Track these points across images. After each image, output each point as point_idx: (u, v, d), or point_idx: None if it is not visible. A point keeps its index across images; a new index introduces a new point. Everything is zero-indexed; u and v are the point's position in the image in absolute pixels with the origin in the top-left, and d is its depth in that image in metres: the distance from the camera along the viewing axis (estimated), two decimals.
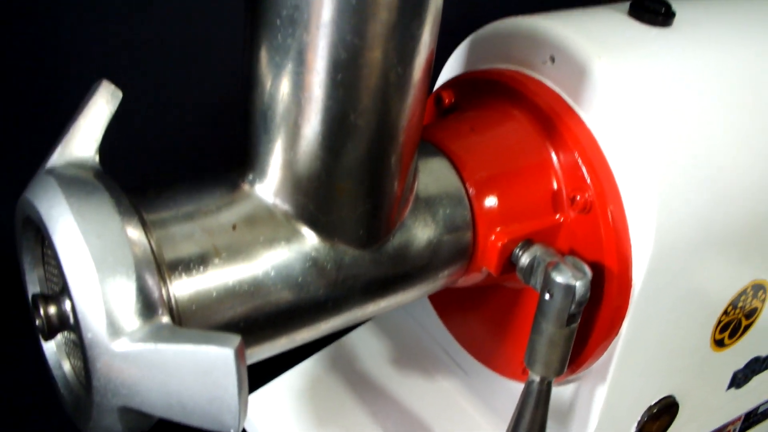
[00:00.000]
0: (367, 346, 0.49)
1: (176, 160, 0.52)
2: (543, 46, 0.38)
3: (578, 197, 0.36)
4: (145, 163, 0.51)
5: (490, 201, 0.36)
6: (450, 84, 0.41)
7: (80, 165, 0.31)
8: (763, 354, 0.46)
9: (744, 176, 0.38)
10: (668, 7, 0.39)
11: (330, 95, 0.30)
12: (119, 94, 0.32)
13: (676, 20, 0.40)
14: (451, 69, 0.43)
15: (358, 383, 0.47)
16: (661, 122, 0.36)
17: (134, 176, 0.48)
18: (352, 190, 0.32)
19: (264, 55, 0.30)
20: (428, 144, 0.37)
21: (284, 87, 0.30)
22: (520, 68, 0.39)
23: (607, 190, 0.36)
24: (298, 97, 0.30)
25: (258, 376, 0.34)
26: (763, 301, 0.43)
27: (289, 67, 0.30)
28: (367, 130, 0.31)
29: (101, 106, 0.31)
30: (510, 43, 0.39)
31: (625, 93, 0.36)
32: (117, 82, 0.31)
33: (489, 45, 0.41)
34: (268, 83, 0.30)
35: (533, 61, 0.38)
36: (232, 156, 0.33)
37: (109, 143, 0.31)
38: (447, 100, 0.41)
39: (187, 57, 0.50)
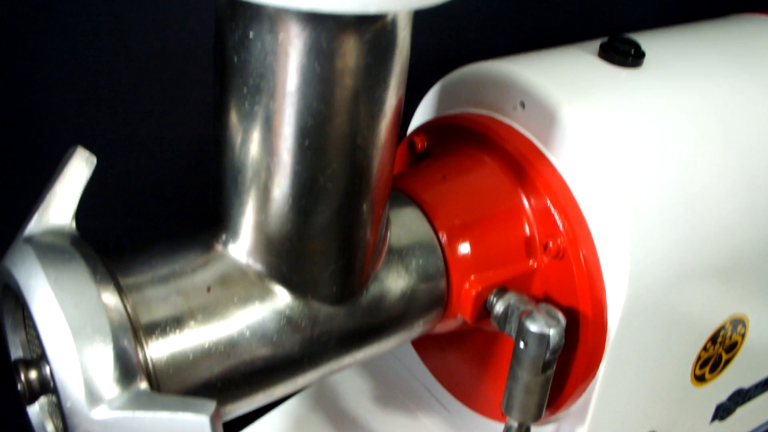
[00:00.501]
0: (350, 385, 0.50)
1: (156, 202, 0.53)
2: (513, 92, 0.39)
3: (551, 244, 0.37)
4: (126, 204, 0.52)
5: (463, 249, 0.37)
6: (422, 129, 0.42)
7: (57, 232, 0.32)
8: (746, 385, 0.47)
9: (717, 215, 0.39)
10: (637, 48, 0.40)
11: (298, 160, 0.31)
12: (94, 160, 0.33)
13: (646, 60, 0.41)
14: (423, 112, 0.44)
15: (342, 422, 0.48)
16: (632, 165, 0.37)
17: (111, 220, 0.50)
18: (324, 250, 0.33)
19: (232, 121, 0.31)
20: (400, 194, 0.38)
21: (253, 152, 0.31)
22: (491, 113, 0.40)
23: (579, 236, 0.37)
24: (267, 161, 0.31)
25: (241, 417, 0.35)
26: (743, 334, 0.44)
27: (256, 133, 0.31)
28: (337, 191, 0.32)
29: (76, 173, 0.32)
30: (480, 88, 0.40)
31: (594, 138, 0.37)
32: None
33: (460, 90, 0.42)
34: (236, 148, 0.31)
35: (504, 107, 0.39)
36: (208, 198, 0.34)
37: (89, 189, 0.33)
38: (420, 146, 0.42)
39: (165, 101, 0.51)
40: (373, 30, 0.29)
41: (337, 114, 0.30)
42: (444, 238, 0.37)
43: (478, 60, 0.42)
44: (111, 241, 0.36)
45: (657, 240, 0.37)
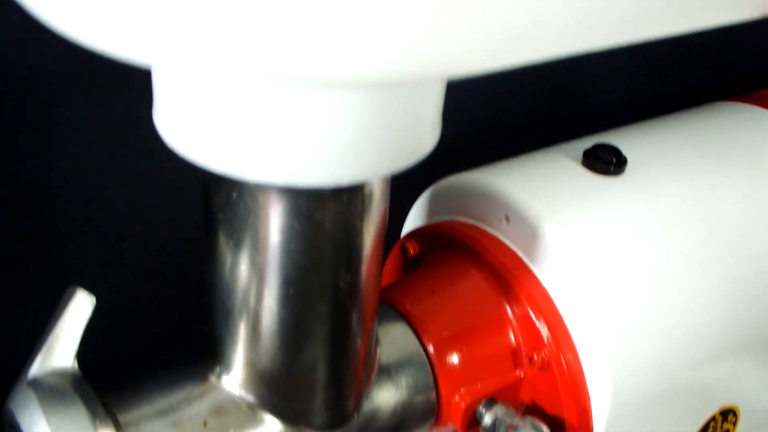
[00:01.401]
0: None
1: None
2: (498, 206, 0.40)
3: (536, 356, 0.38)
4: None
5: (452, 363, 0.39)
6: (414, 235, 0.44)
7: (60, 374, 0.34)
8: None
9: (698, 318, 0.41)
10: (619, 155, 0.42)
11: (284, 306, 0.33)
12: (93, 301, 0.35)
13: (628, 166, 0.42)
14: (415, 216, 0.46)
15: None
16: (612, 276, 0.39)
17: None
18: (314, 383, 0.35)
19: (220, 268, 0.33)
20: (389, 309, 0.40)
21: (241, 297, 0.33)
22: (478, 224, 0.42)
23: (563, 347, 0.38)
24: (254, 306, 0.33)
25: None
26: (734, 423, 0.45)
27: (243, 281, 0.33)
28: (323, 331, 0.34)
29: (76, 316, 0.34)
30: (467, 199, 0.42)
31: (575, 252, 0.38)
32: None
33: (448, 199, 0.43)
34: (225, 292, 0.33)
35: (490, 219, 0.41)
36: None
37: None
38: (412, 251, 0.43)
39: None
40: (349, 192, 0.30)
41: (319, 265, 0.32)
42: (433, 353, 0.39)
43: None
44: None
45: (639, 347, 0.39)
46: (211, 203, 0.32)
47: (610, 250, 0.39)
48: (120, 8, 0.19)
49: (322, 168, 0.28)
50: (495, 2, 0.21)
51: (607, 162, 0.42)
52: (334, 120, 0.27)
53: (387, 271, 0.45)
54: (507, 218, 0.40)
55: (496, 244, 0.41)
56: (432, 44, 0.22)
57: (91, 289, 0.35)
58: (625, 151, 0.43)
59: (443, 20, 0.21)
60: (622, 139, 0.44)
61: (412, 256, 0.44)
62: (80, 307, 0.35)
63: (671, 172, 0.43)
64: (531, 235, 0.39)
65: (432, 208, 0.45)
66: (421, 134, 0.29)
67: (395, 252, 0.45)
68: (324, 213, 0.31)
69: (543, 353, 0.39)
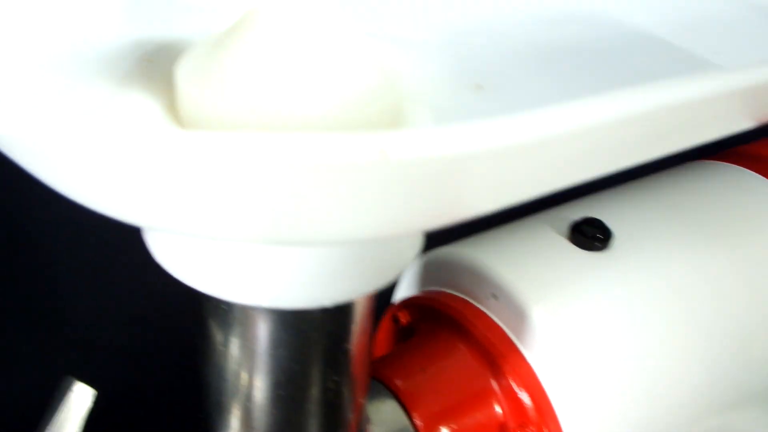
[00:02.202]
0: None
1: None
2: (486, 284, 0.42)
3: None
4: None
5: None
6: (405, 305, 0.45)
7: None
8: None
9: (683, 394, 0.42)
10: (605, 231, 0.43)
11: (273, 405, 0.34)
12: (92, 393, 0.36)
13: (615, 241, 0.43)
14: (407, 285, 0.47)
15: None
16: (597, 355, 0.40)
17: None
18: None
19: (213, 369, 0.34)
20: (380, 386, 0.41)
21: (232, 395, 0.35)
22: (467, 298, 0.43)
23: (548, 424, 0.40)
24: (246, 404, 0.34)
25: None
26: None
27: (234, 382, 0.34)
28: (314, 423, 0.35)
29: (76, 409, 0.36)
30: (457, 273, 0.43)
31: (561, 333, 0.40)
32: None
33: (438, 270, 0.44)
34: (218, 389, 0.35)
35: (478, 295, 0.42)
36: None
37: None
38: (403, 320, 0.45)
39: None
40: (335, 307, 0.32)
41: (307, 369, 0.33)
42: (422, 429, 0.40)
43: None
44: None
45: (623, 425, 0.40)
46: (201, 310, 0.34)
47: (595, 329, 0.41)
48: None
49: (306, 293, 0.29)
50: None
51: (592, 238, 0.43)
52: (318, 256, 0.28)
53: (379, 339, 0.47)
54: (495, 296, 0.42)
55: (484, 320, 0.42)
56: (408, 216, 0.23)
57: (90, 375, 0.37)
58: (611, 222, 0.44)
59: (417, 195, 0.22)
60: (606, 209, 0.45)
61: (404, 326, 0.45)
62: (79, 400, 0.36)
63: (656, 245, 0.44)
64: (518, 314, 0.41)
65: (423, 278, 0.46)
66: (404, 252, 0.31)
67: (387, 320, 0.46)
68: (310, 325, 0.32)
69: (529, 429, 0.40)
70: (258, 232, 0.23)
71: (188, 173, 0.20)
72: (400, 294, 0.48)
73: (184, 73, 0.29)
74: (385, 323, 0.46)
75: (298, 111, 0.28)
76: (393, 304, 0.47)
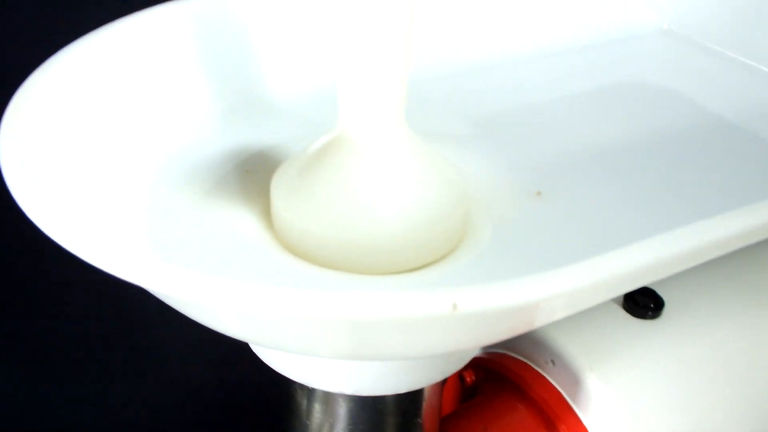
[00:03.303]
0: None
1: None
2: (544, 350, 0.45)
3: None
4: None
5: None
6: (471, 365, 0.49)
7: None
8: None
9: None
10: (657, 299, 0.46)
11: None
12: None
13: (667, 309, 0.46)
14: None
15: None
16: (651, 422, 0.43)
17: None
18: None
19: None
20: None
21: None
22: (527, 361, 0.47)
23: None
24: None
25: None
26: None
27: None
28: None
29: None
30: (518, 337, 0.47)
31: (615, 399, 0.43)
32: None
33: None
34: None
35: (538, 359, 0.46)
36: None
37: None
38: (469, 380, 0.49)
39: None
40: (408, 392, 0.36)
41: None
42: None
43: None
44: None
45: None
46: (290, 388, 0.38)
47: (647, 395, 0.44)
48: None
49: (383, 384, 0.34)
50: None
51: (644, 307, 0.46)
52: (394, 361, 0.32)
53: (446, 397, 0.51)
54: (553, 362, 0.45)
55: (543, 384, 0.46)
56: (471, 341, 0.27)
57: None
58: (663, 290, 0.47)
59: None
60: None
61: (470, 385, 0.49)
62: None
63: (707, 314, 0.47)
64: (574, 380, 0.44)
65: None
66: (467, 352, 0.35)
67: (454, 378, 0.50)
68: (386, 406, 0.36)
69: None
70: (352, 355, 0.27)
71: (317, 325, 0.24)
72: None
73: (279, 194, 0.33)
74: (452, 381, 0.50)
75: (382, 232, 0.32)
76: None
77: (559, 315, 0.27)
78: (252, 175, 0.37)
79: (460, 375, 0.50)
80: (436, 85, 0.43)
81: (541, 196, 0.36)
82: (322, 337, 0.26)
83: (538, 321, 0.28)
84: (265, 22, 0.40)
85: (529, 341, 0.47)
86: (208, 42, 0.39)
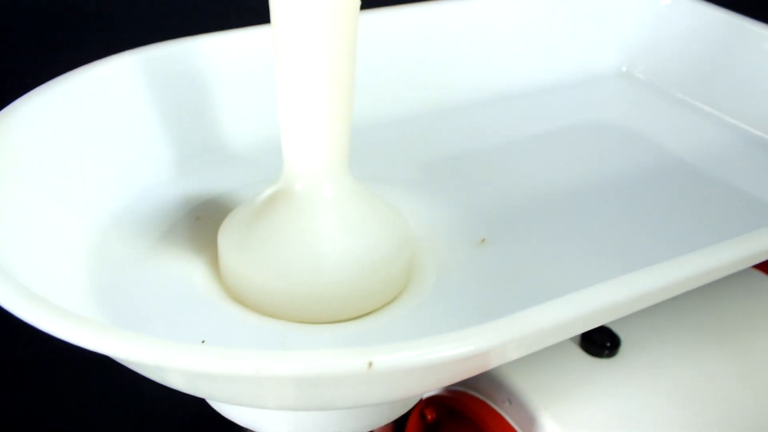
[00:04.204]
0: None
1: None
2: (502, 389, 0.46)
3: None
4: None
5: None
6: (431, 402, 0.49)
7: None
8: None
9: None
10: (613, 338, 0.47)
11: None
12: None
13: (623, 347, 0.47)
14: None
15: None
16: None
17: None
18: None
19: None
20: None
21: None
22: (487, 400, 0.47)
23: None
24: None
25: None
26: None
27: None
28: None
29: None
30: (477, 376, 0.48)
31: None
32: None
33: None
34: None
35: (496, 398, 0.47)
36: None
37: None
38: (430, 417, 0.49)
39: None
40: None
41: None
42: None
43: None
44: None
45: None
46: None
47: None
48: None
49: (329, 428, 0.34)
50: None
51: (601, 345, 0.47)
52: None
53: None
54: (509, 401, 0.46)
55: (501, 423, 0.46)
56: (396, 393, 0.28)
57: None
58: (620, 329, 0.48)
59: None
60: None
61: (430, 422, 0.50)
62: None
63: (663, 352, 0.48)
64: (530, 419, 0.45)
65: None
66: (411, 399, 0.35)
67: (415, 416, 0.50)
68: None
69: None
70: (285, 406, 0.28)
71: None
72: (430, 391, 0.52)
73: (225, 244, 0.34)
74: (414, 418, 0.51)
75: (325, 281, 0.33)
76: (422, 400, 0.51)
77: (486, 368, 0.28)
78: (203, 222, 0.38)
79: (421, 413, 0.50)
80: (390, 129, 0.44)
81: (486, 243, 0.37)
82: (246, 392, 0.26)
83: (465, 373, 0.28)
84: (220, 70, 0.41)
85: (487, 380, 0.48)
86: (163, 91, 0.40)
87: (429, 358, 0.25)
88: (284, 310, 0.34)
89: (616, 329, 0.48)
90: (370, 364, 0.24)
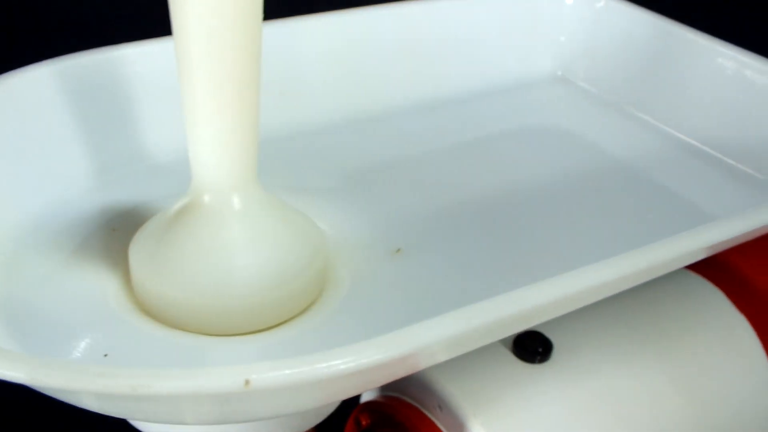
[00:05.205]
0: None
1: None
2: (432, 395, 0.46)
3: None
4: None
5: None
6: (366, 408, 0.50)
7: None
8: None
9: None
10: (545, 343, 0.47)
11: None
12: None
13: (555, 352, 0.47)
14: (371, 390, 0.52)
15: None
16: None
17: None
18: None
19: None
20: None
21: None
22: (419, 406, 0.47)
23: None
24: None
25: None
26: None
27: None
28: None
29: None
30: (410, 382, 0.48)
31: None
32: None
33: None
34: None
35: (427, 404, 0.47)
36: None
37: None
38: (364, 423, 0.49)
39: None
40: None
41: None
42: None
43: None
44: None
45: None
46: None
47: None
48: None
49: None
50: None
51: (533, 351, 0.47)
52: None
53: None
54: (440, 407, 0.46)
55: (432, 429, 0.46)
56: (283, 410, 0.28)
57: None
58: (552, 333, 0.48)
59: None
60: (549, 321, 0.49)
61: (365, 427, 0.50)
62: None
63: (595, 355, 0.48)
64: (459, 426, 0.45)
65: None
66: (321, 410, 0.35)
67: (351, 423, 0.50)
68: None
69: None
70: (200, 421, 0.28)
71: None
72: (364, 397, 0.52)
73: (136, 258, 0.34)
74: (350, 424, 0.51)
75: (234, 294, 0.33)
76: (358, 405, 0.51)
77: (379, 383, 0.28)
78: (119, 234, 0.38)
79: (356, 418, 0.50)
80: (317, 138, 0.44)
81: (402, 253, 0.37)
82: (144, 408, 0.26)
83: (358, 388, 0.28)
84: (139, 80, 0.41)
85: (419, 385, 0.48)
86: (82, 101, 0.40)
87: (306, 375, 0.25)
88: (194, 324, 0.34)
89: (548, 334, 0.48)
90: (247, 382, 0.24)
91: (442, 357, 0.29)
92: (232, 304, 0.34)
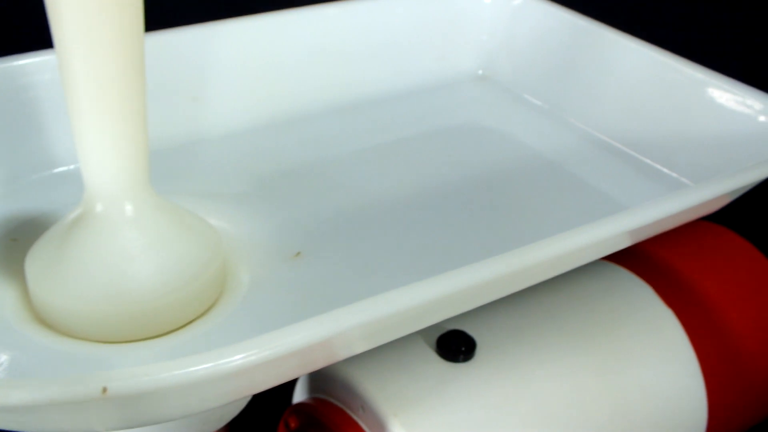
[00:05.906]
0: None
1: None
2: (355, 396, 0.46)
3: None
4: None
5: None
6: (294, 410, 0.50)
7: None
8: None
9: None
10: (469, 341, 0.47)
11: None
12: None
13: (478, 351, 0.47)
14: (300, 391, 0.52)
15: None
16: None
17: None
18: None
19: None
20: None
21: None
22: (344, 407, 0.47)
23: None
24: None
25: None
26: None
27: None
28: None
29: None
30: (334, 383, 0.48)
31: None
32: None
33: (322, 379, 0.49)
34: None
35: (351, 405, 0.47)
36: None
37: None
38: (293, 425, 0.49)
39: None
40: None
41: None
42: None
43: None
44: None
45: None
46: None
47: None
48: None
49: None
50: None
51: (456, 350, 0.47)
52: None
53: None
54: (363, 408, 0.46)
55: (356, 431, 0.46)
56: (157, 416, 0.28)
57: None
58: (476, 332, 0.48)
59: None
60: (471, 319, 0.49)
61: (293, 430, 0.50)
62: None
63: (518, 353, 0.48)
64: (381, 426, 0.45)
65: (311, 385, 0.51)
66: (214, 416, 0.35)
67: (281, 425, 0.51)
68: None
69: None
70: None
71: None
72: (295, 398, 0.53)
73: (32, 269, 0.34)
74: (280, 427, 0.51)
75: (129, 300, 0.33)
76: (289, 407, 0.52)
77: (255, 389, 0.28)
78: (20, 244, 0.38)
79: (285, 421, 0.50)
80: (228, 143, 0.44)
81: (301, 256, 0.37)
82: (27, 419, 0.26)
83: (233, 393, 0.28)
84: (54, 87, 0.41)
85: (344, 387, 0.48)
86: None
87: (164, 381, 0.25)
88: (92, 332, 0.34)
89: (472, 332, 0.48)
90: (105, 389, 0.24)
91: (293, 373, 0.29)
92: (128, 310, 0.34)
